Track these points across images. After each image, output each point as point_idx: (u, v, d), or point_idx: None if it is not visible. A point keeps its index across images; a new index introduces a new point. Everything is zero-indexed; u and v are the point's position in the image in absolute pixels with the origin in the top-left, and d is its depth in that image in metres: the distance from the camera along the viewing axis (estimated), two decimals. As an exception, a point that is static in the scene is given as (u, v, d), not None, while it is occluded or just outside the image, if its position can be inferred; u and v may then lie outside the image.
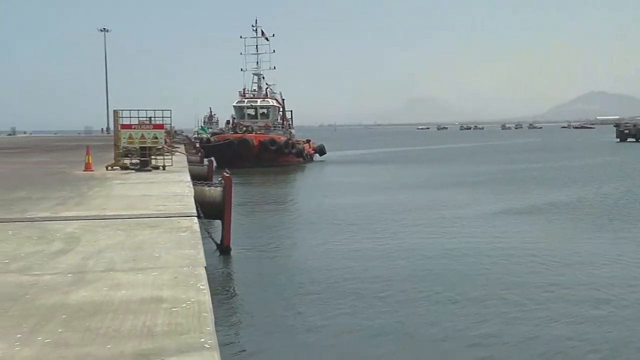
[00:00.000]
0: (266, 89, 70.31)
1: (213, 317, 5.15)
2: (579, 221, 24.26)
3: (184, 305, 5.40)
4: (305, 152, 66.38)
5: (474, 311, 12.79)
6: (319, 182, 46.65)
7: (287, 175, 51.40)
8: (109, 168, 21.40)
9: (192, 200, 13.11)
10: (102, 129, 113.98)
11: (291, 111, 73.79)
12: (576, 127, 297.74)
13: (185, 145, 48.49)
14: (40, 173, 20.71)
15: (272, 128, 63.92)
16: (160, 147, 22.69)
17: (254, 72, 70.45)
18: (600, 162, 57.43)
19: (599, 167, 51.10)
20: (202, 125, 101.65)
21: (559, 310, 12.82)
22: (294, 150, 62.12)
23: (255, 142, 57.71)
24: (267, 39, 70.50)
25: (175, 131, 63.06)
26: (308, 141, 71.23)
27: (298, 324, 12.34)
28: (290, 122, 72.76)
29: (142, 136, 21.84)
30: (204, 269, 6.80)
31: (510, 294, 13.93)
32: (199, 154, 40.99)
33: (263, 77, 70.72)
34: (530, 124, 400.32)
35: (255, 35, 70.41)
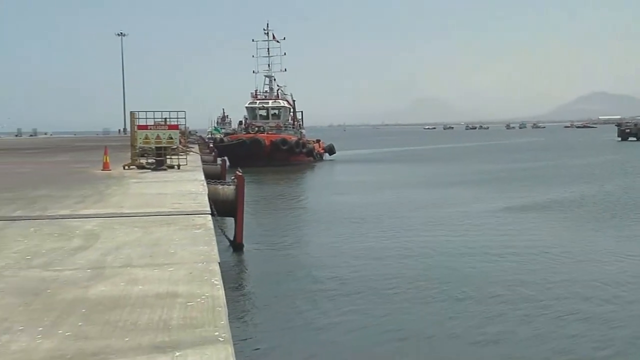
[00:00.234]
0: (277, 90, 70.37)
1: (227, 311, 5.17)
2: (582, 218, 24.14)
3: (199, 299, 5.42)
4: (316, 151, 66.34)
5: (485, 309, 12.59)
6: (329, 181, 46.64)
7: (298, 174, 51.38)
8: (126, 167, 21.47)
9: (206, 198, 13.13)
10: (119, 129, 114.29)
11: (302, 112, 73.90)
12: (579, 127, 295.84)
13: (199, 145, 48.53)
14: (61, 172, 20.80)
15: (283, 128, 63.95)
16: (175, 147, 22.76)
17: (265, 74, 70.60)
18: (602, 161, 57.12)
19: (601, 166, 50.82)
20: (216, 125, 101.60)
21: (569, 307, 12.64)
22: (304, 150, 62.10)
23: (267, 142, 57.74)
24: (278, 42, 70.65)
25: (190, 131, 63.11)
26: (318, 141, 71.18)
27: (308, 319, 12.30)
28: (301, 123, 72.76)
29: (158, 136, 21.90)
30: (218, 265, 6.82)
31: (520, 291, 13.77)
32: (213, 153, 41.09)
33: (274, 79, 70.87)
34: (534, 124, 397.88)
35: (266, 39, 70.59)
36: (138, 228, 9.26)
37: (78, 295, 5.63)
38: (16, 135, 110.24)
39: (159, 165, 21.41)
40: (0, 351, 4.25)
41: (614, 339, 11.03)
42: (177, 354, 4.15)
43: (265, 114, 65.97)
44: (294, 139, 61.48)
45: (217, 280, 6.08)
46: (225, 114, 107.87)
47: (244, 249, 18.46)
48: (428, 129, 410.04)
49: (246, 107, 67.05)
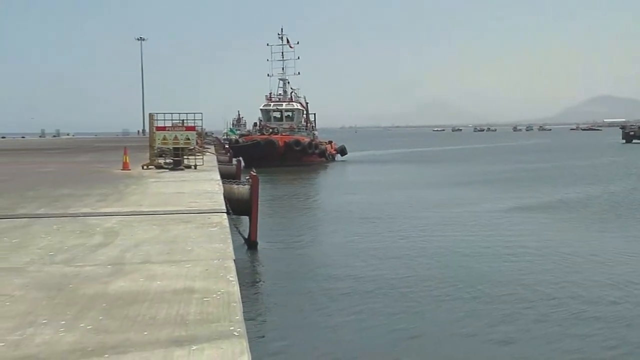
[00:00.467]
0: (291, 93, 70.45)
1: (241, 306, 5.18)
2: (589, 218, 23.98)
3: (215, 295, 5.44)
4: (328, 152, 66.35)
5: (497, 308, 12.38)
6: (341, 181, 46.60)
7: (311, 174, 51.40)
8: (145, 167, 21.56)
9: (222, 197, 13.15)
10: (138, 130, 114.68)
11: (314, 114, 73.97)
12: (584, 129, 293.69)
13: (215, 146, 48.63)
14: (82, 172, 20.93)
15: (296, 130, 63.99)
16: (192, 147, 22.84)
17: (279, 77, 70.76)
18: (606, 162, 56.75)
19: (606, 167, 50.51)
20: (231, 127, 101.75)
21: (580, 307, 12.45)
22: (317, 151, 62.13)
23: (281, 143, 57.80)
24: (291, 47, 70.70)
25: (206, 133, 63.27)
26: (330, 142, 71.18)
27: (321, 316, 12.26)
28: (314, 124, 72.81)
29: (176, 137, 21.99)
30: (233, 262, 6.83)
31: (532, 291, 13.59)
32: (228, 154, 41.11)
33: (288, 82, 70.96)
34: (540, 126, 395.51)
35: (281, 43, 70.67)
36: (156, 226, 9.30)
37: (99, 291, 5.67)
38: (40, 136, 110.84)
39: (177, 165, 21.49)
40: (25, 343, 4.29)
41: (626, 337, 10.83)
42: (194, 347, 4.17)
43: (279, 116, 66.07)
44: (307, 140, 61.49)
45: (232, 277, 6.10)
46: (241, 116, 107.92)
47: (258, 246, 18.49)
48: (437, 130, 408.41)
49: (261, 110, 67.23)
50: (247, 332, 4.63)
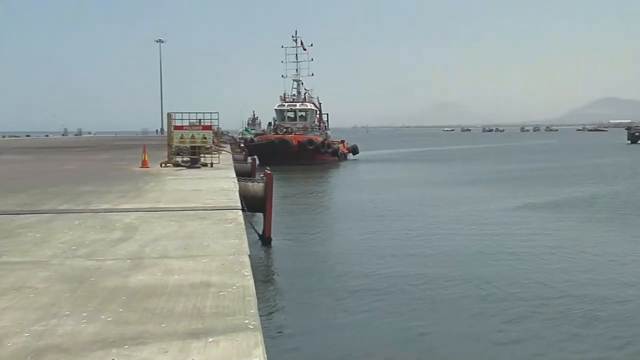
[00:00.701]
0: (304, 93, 70.46)
1: (256, 300, 5.19)
2: (594, 217, 23.75)
3: (230, 289, 5.45)
4: (340, 151, 66.31)
5: (508, 307, 12.15)
6: (353, 179, 46.54)
7: (324, 172, 51.37)
8: (163, 165, 21.65)
9: (237, 194, 13.18)
10: (157, 130, 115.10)
11: (327, 114, 73.94)
12: (590, 130, 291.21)
13: (230, 145, 48.77)
14: (103, 169, 21.05)
15: (309, 129, 64.01)
16: (209, 146, 22.92)
17: (293, 78, 70.80)
18: (612, 162, 56.32)
19: (612, 167, 50.13)
20: (246, 126, 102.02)
21: (592, 306, 12.28)
22: (329, 150, 62.11)
23: (295, 142, 57.84)
24: (305, 49, 70.69)
25: (222, 132, 63.45)
26: (342, 141, 71.14)
27: (334, 310, 12.22)
28: (326, 124, 72.79)
29: (193, 136, 22.08)
30: (248, 257, 6.85)
31: (543, 290, 13.40)
32: (243, 152, 41.25)
33: (302, 83, 70.97)
34: (547, 127, 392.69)
35: (295, 45, 70.73)
36: (174, 222, 9.34)
37: (119, 284, 5.71)
38: (63, 135, 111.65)
39: (194, 163, 21.57)
40: (48, 334, 4.33)
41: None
42: (210, 339, 4.19)
43: (293, 116, 66.15)
44: (320, 139, 61.51)
45: (247, 272, 6.11)
46: (256, 116, 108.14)
47: (272, 242, 18.51)
48: (447, 130, 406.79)
49: (275, 110, 67.34)
50: (262, 325, 4.65)
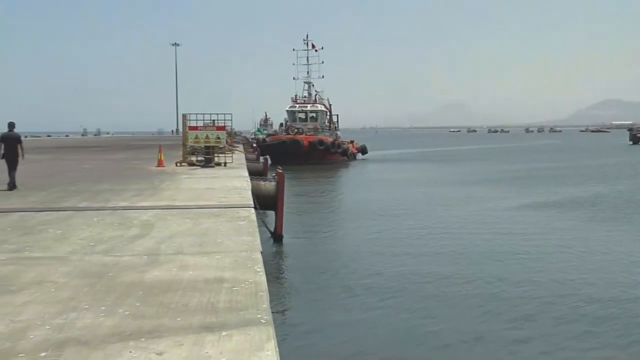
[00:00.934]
0: (315, 95, 70.45)
1: (268, 296, 5.21)
2: (598, 216, 23.57)
3: (243, 285, 5.47)
4: (350, 151, 66.25)
5: (517, 306, 11.95)
6: (362, 178, 46.45)
7: (334, 171, 51.32)
8: (178, 164, 21.73)
9: (250, 193, 13.22)
10: (172, 130, 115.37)
11: (337, 115, 73.87)
12: (593, 131, 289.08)
13: (243, 145, 48.84)
14: (120, 168, 21.16)
15: (320, 130, 64.00)
16: (222, 146, 22.98)
17: (304, 80, 70.82)
18: (614, 162, 55.93)
19: (614, 167, 49.79)
20: (259, 127, 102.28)
21: (600, 306, 12.17)
22: (339, 150, 62.07)
23: (305, 142, 57.86)
24: (316, 50, 70.72)
25: (235, 132, 63.59)
26: (352, 142, 71.06)
27: (344, 307, 12.14)
28: (337, 125, 72.73)
29: (207, 137, 22.14)
30: (260, 253, 6.87)
31: (553, 290, 13.29)
32: (256, 152, 41.19)
33: (313, 85, 70.98)
34: (551, 128, 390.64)
35: (306, 48, 70.73)
36: (189, 219, 9.38)
37: (135, 279, 5.74)
38: (82, 135, 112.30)
39: (208, 163, 21.64)
40: (68, 327, 4.36)
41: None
42: (224, 333, 4.20)
43: (304, 117, 66.16)
44: (330, 139, 61.47)
45: (260, 268, 6.13)
46: (268, 117, 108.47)
47: (284, 240, 18.50)
48: (453, 131, 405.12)
49: (287, 111, 67.43)
50: (273, 320, 4.66)
